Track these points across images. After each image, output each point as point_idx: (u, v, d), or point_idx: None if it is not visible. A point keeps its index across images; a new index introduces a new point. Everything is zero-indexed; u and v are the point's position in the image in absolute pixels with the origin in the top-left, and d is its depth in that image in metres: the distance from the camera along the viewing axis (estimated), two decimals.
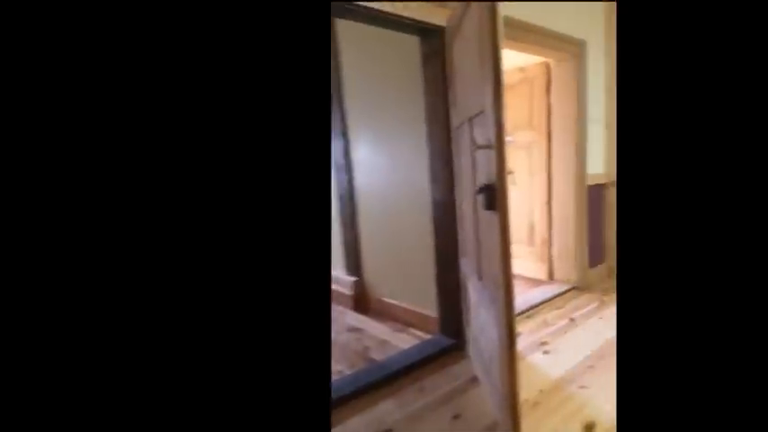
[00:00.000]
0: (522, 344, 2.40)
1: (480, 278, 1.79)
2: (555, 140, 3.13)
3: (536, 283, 3.34)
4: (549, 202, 3.24)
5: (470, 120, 1.66)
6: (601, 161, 3.29)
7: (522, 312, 2.80)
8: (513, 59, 3.16)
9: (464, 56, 1.72)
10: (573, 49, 2.89)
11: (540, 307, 2.92)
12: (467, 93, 1.72)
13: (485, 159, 1.51)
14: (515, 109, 3.33)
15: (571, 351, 2.29)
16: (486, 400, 1.86)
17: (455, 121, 2.03)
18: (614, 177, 3.31)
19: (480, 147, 1.52)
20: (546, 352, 2.30)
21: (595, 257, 3.33)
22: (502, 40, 1.34)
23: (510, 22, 2.37)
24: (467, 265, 2.09)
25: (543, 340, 2.44)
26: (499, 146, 1.37)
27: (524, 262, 3.47)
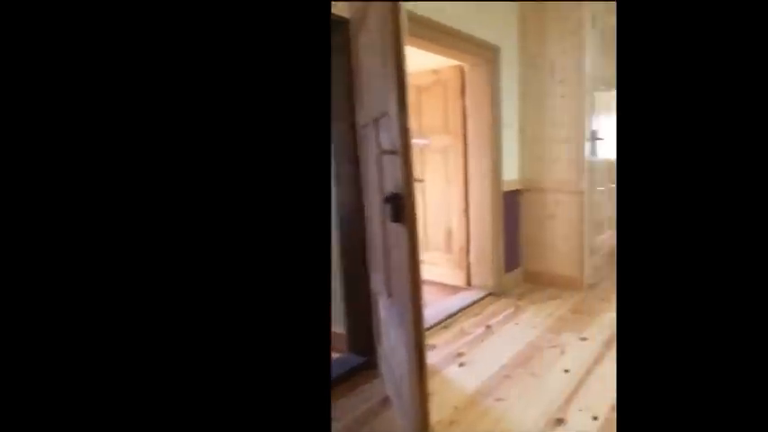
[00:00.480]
0: (437, 357, 2.31)
1: (390, 295, 1.65)
2: (471, 145, 3.10)
3: (454, 290, 3.29)
4: (466, 209, 3.21)
5: (376, 121, 1.52)
6: (515, 167, 3.32)
7: (439, 322, 2.72)
8: (426, 61, 3.08)
9: (369, 51, 1.57)
10: (487, 54, 2.87)
11: (457, 315, 2.86)
12: (372, 91, 1.58)
13: (391, 166, 1.37)
14: (430, 112, 3.26)
15: (487, 361, 2.25)
16: (398, 423, 1.73)
17: (361, 119, 1.88)
18: (527, 184, 3.36)
19: (385, 152, 1.38)
20: (462, 364, 2.23)
21: (511, 263, 3.35)
22: (405, 37, 1.21)
23: (422, 22, 2.27)
24: (376, 279, 1.95)
25: (459, 351, 2.37)
26: (405, 152, 1.23)
27: (442, 269, 3.41)
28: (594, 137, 3.22)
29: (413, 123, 3.28)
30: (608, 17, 3.32)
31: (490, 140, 3.01)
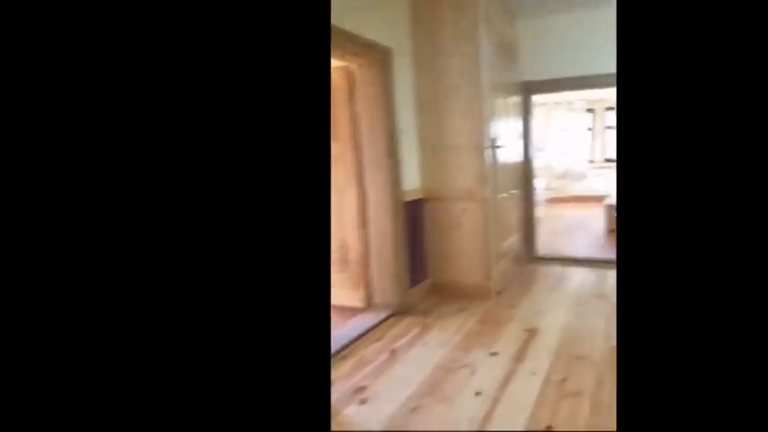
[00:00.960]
0: (334, 395, 1.99)
1: None
2: (366, 153, 2.85)
3: (352, 312, 2.96)
4: (363, 222, 2.94)
5: None
6: (416, 176, 3.14)
7: (336, 353, 2.39)
8: None
9: None
10: (377, 55, 2.66)
11: (357, 342, 2.55)
12: None
13: None
14: None
15: (392, 393, 1.99)
16: None
17: None
18: (430, 193, 3.19)
19: None
20: (363, 401, 1.94)
21: (416, 276, 3.13)
22: None
23: None
24: None
25: (360, 385, 2.07)
26: None
27: (337, 290, 3.06)
28: (494, 144, 3.14)
29: None
30: (501, 25, 3.29)
31: (387, 148, 2.78)
